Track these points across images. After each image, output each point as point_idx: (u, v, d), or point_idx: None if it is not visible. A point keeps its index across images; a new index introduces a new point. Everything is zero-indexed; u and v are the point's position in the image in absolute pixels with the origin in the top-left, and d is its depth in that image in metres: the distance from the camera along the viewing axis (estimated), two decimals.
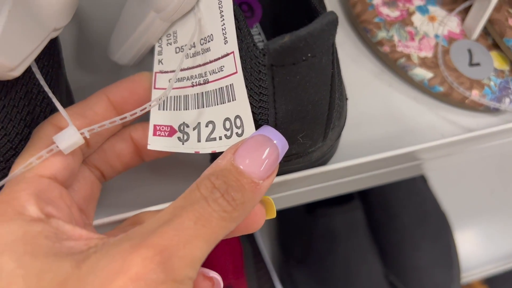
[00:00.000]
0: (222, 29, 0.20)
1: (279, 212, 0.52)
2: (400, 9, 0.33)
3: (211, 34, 0.21)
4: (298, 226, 0.48)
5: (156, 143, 0.23)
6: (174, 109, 0.23)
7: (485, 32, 0.34)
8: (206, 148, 0.21)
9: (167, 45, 0.24)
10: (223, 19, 0.20)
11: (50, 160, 0.19)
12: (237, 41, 0.20)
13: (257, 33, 0.29)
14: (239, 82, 0.20)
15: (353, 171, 0.29)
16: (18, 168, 0.19)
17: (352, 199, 0.48)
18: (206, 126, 0.21)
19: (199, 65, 0.22)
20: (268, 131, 0.20)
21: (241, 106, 0.20)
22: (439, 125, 0.31)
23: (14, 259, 0.16)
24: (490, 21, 0.33)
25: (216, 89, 0.21)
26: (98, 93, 0.22)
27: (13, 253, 0.16)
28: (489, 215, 0.60)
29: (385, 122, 0.31)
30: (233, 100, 0.20)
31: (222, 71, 0.21)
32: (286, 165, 0.23)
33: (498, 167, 0.63)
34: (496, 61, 0.33)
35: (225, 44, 0.20)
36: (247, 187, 0.18)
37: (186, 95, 0.23)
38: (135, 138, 0.24)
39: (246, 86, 0.20)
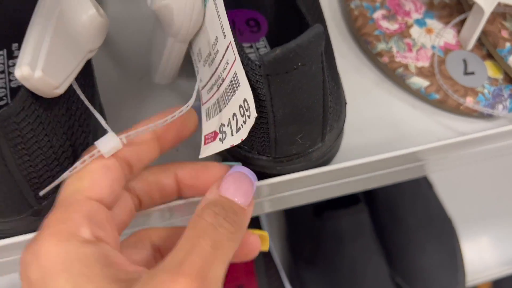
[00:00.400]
0: (221, 27, 0.23)
1: (288, 215, 0.54)
2: (399, 22, 0.36)
3: (216, 37, 0.24)
4: (306, 228, 0.50)
5: (205, 151, 0.25)
6: (214, 115, 0.25)
7: (480, 43, 0.36)
8: (237, 139, 0.23)
9: (199, 62, 0.27)
10: (220, 17, 0.23)
11: (97, 183, 0.21)
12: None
13: (263, 46, 0.32)
14: (239, 68, 0.22)
15: (354, 171, 0.31)
16: (67, 188, 0.21)
17: (358, 202, 0.50)
18: (233, 119, 0.23)
19: (216, 68, 0.24)
20: (241, 168, 0.24)
21: (245, 90, 0.22)
22: (435, 129, 0.33)
23: (70, 280, 0.17)
24: (484, 32, 0.35)
25: (229, 83, 0.23)
26: (142, 122, 0.24)
27: (70, 274, 0.18)
28: (496, 220, 0.61)
29: (385, 127, 0.33)
30: (239, 87, 0.22)
31: (228, 64, 0.23)
32: (289, 164, 0.26)
33: (505, 174, 0.64)
34: (490, 70, 0.35)
35: (224, 38, 0.22)
36: (239, 211, 0.22)
37: (217, 99, 0.25)
38: (179, 176, 0.25)
39: None
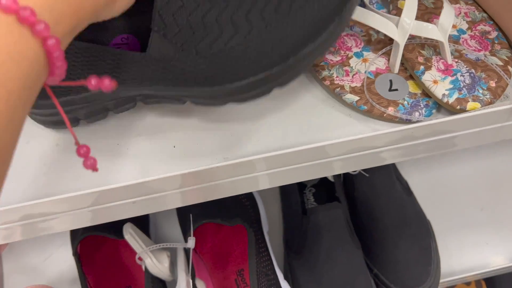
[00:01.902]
0: None
1: (285, 214, 0.65)
2: (341, 55, 0.48)
3: None
4: (296, 225, 0.61)
5: None
6: None
7: (404, 67, 0.47)
8: None
9: None
10: None
11: None
12: None
13: None
14: None
15: (309, 155, 0.42)
16: None
17: (335, 200, 0.60)
18: None
19: None
20: None
21: None
22: (367, 132, 0.44)
23: None
24: (405, 59, 0.46)
25: None
26: None
27: None
28: (478, 228, 0.68)
29: (329, 131, 0.45)
30: None
31: None
32: None
33: (488, 186, 0.71)
34: (411, 87, 0.46)
35: None
36: None
37: None
38: None
39: None
